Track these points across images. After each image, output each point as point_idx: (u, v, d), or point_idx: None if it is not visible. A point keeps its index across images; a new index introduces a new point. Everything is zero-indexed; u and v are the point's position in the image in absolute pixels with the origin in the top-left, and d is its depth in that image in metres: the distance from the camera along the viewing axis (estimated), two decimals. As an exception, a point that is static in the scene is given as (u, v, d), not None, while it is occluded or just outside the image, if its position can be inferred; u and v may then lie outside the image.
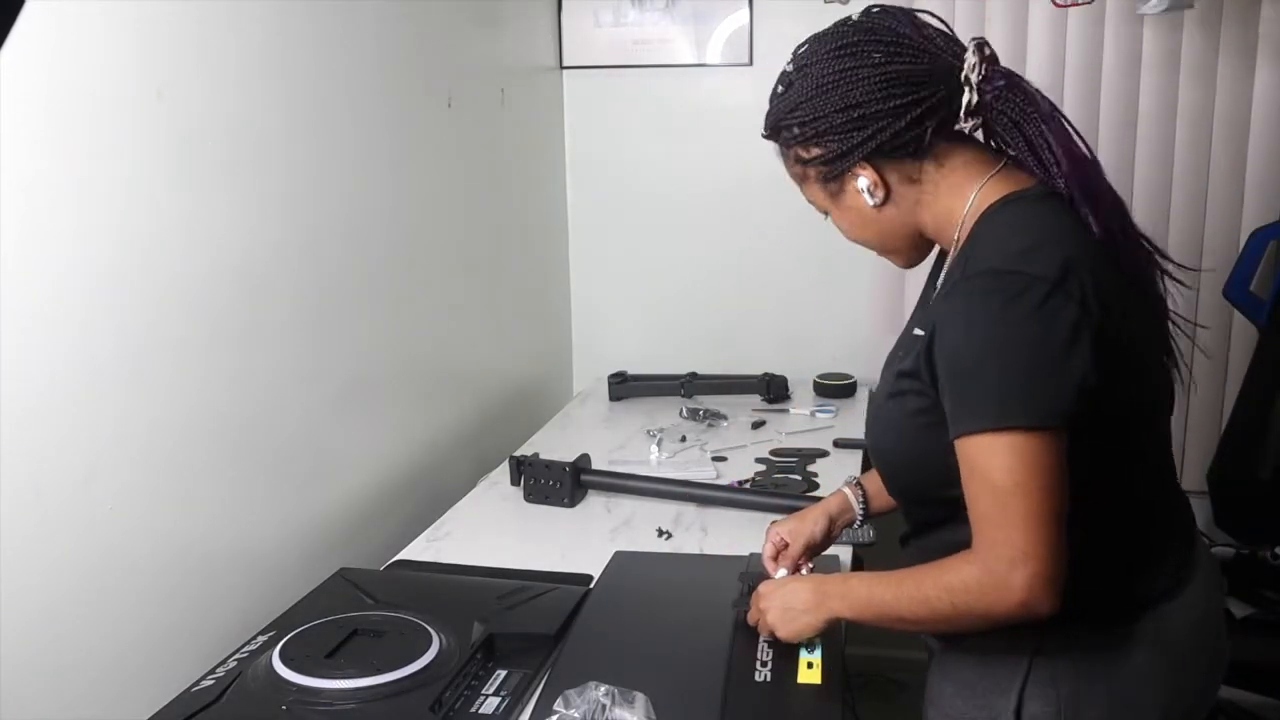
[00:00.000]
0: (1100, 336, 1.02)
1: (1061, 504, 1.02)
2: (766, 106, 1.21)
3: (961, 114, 1.11)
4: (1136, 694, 1.13)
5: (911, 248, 1.23)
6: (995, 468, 1.02)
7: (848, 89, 1.11)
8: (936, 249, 1.26)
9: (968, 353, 1.04)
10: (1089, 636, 1.11)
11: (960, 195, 1.14)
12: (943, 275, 1.21)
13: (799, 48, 1.19)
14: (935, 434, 1.08)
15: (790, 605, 1.24)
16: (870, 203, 1.16)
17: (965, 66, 1.10)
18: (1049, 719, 1.11)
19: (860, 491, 1.45)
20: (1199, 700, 1.21)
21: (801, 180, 1.22)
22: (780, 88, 1.19)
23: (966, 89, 1.10)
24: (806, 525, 1.42)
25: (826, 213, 1.23)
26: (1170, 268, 1.19)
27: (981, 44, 1.12)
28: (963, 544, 1.08)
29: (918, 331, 1.16)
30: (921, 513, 1.23)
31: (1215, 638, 1.23)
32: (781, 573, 1.38)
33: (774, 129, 1.20)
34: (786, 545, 1.41)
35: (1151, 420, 1.17)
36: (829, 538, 1.44)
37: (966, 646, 1.17)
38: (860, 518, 1.46)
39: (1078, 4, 2.28)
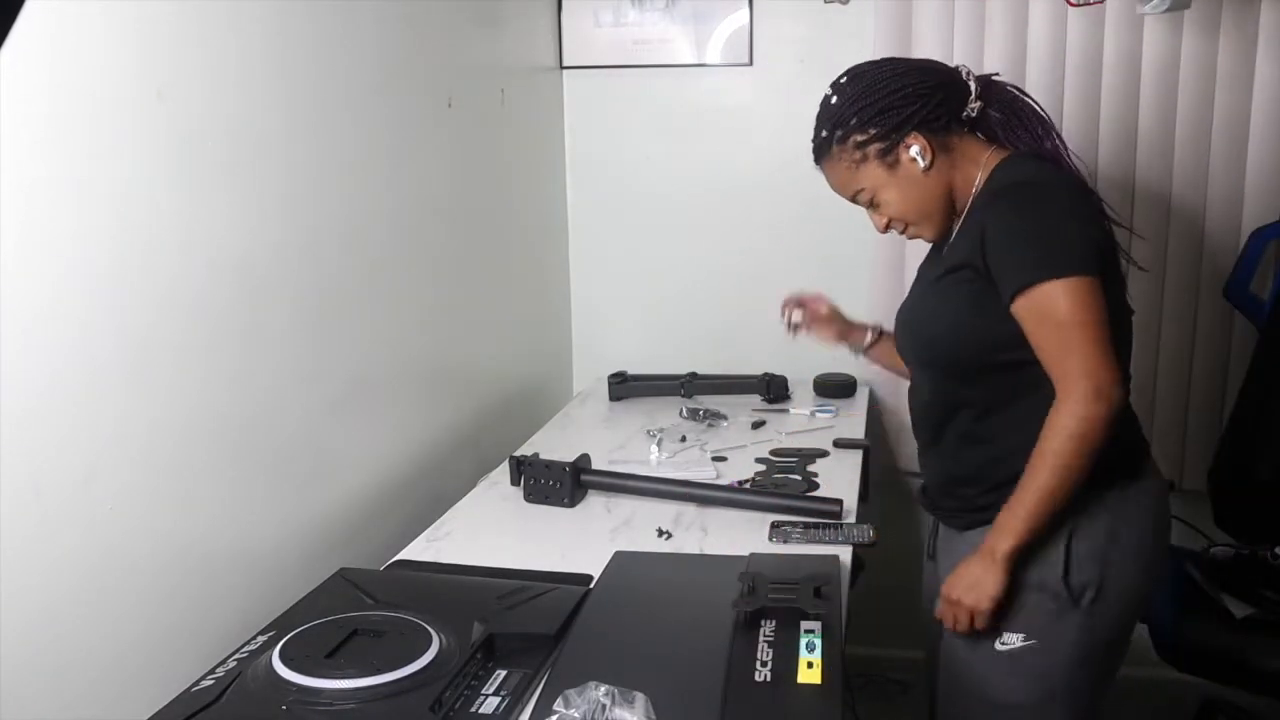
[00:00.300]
0: (1102, 216, 1.45)
1: (1111, 333, 1.34)
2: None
3: (972, 96, 1.49)
4: (1140, 534, 1.46)
5: (942, 211, 1.51)
6: (1062, 309, 1.33)
7: (892, 81, 1.47)
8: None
9: (1022, 225, 1.38)
10: (1111, 493, 1.42)
11: (975, 162, 1.50)
12: (963, 222, 1.50)
13: (840, 78, 1.53)
14: (985, 305, 1.39)
15: (969, 581, 1.42)
16: (922, 165, 1.47)
17: (962, 73, 1.51)
18: (1093, 557, 1.41)
19: (875, 334, 1.90)
20: (1165, 544, 1.54)
21: (859, 164, 1.49)
22: (834, 98, 1.51)
23: (971, 82, 1.50)
24: (833, 323, 1.91)
25: (872, 201, 1.52)
26: (1112, 213, 1.52)
27: (961, 68, 1.53)
28: (984, 429, 1.48)
29: (949, 256, 1.49)
30: (951, 391, 1.50)
31: (1167, 495, 1.55)
32: (798, 315, 1.89)
33: (834, 127, 1.49)
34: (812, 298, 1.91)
35: (1125, 311, 1.46)
36: (834, 324, 1.91)
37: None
38: (865, 346, 1.91)
39: (1089, 3, 2.28)
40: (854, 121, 1.48)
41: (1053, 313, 1.34)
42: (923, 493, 1.66)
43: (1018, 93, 1.53)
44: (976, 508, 1.51)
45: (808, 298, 1.92)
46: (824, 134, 1.51)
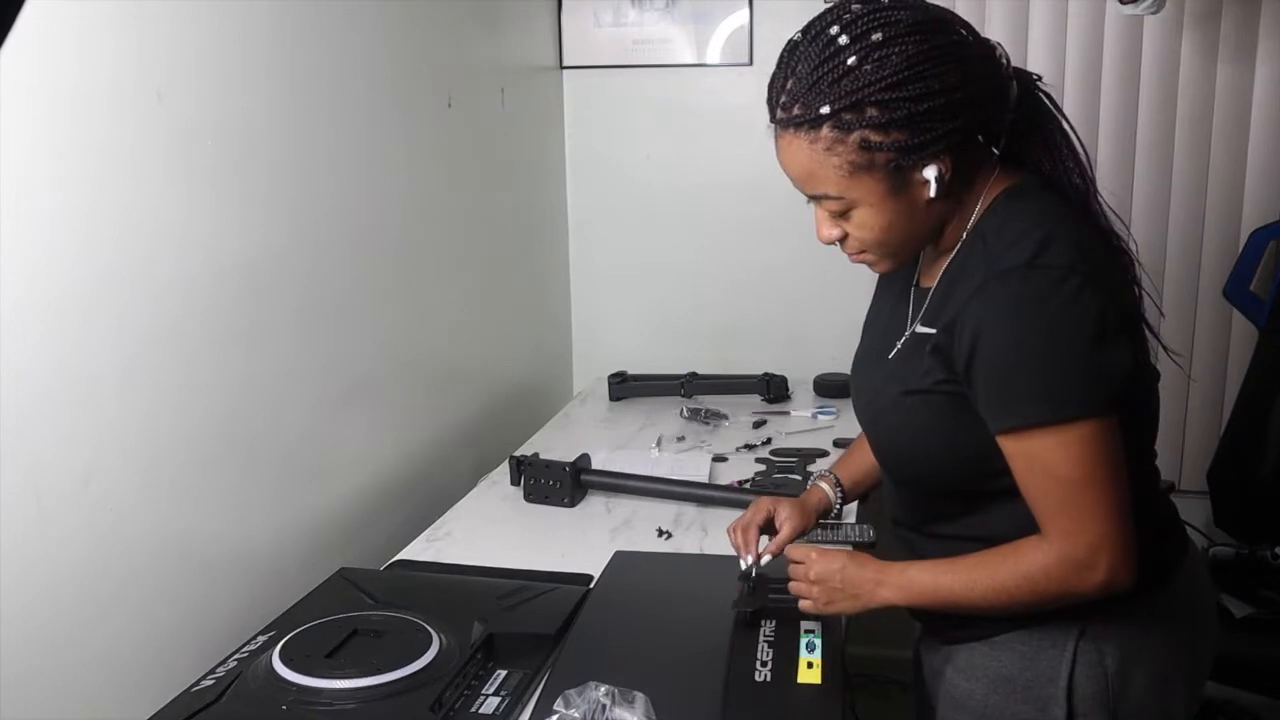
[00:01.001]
0: (1131, 321, 1.08)
1: (1127, 486, 1.06)
2: (772, 100, 1.11)
3: (1011, 107, 1.11)
4: (1170, 660, 1.18)
5: (915, 250, 1.19)
6: (1062, 461, 1.04)
7: (948, 74, 1.03)
8: None
9: (1016, 349, 1.04)
10: (1130, 610, 1.14)
11: (975, 190, 1.14)
12: (945, 270, 1.16)
13: (855, 12, 1.05)
14: (964, 430, 1.09)
15: (840, 586, 1.20)
16: (932, 194, 1.07)
17: (1004, 64, 1.11)
18: (1100, 697, 1.15)
19: (839, 488, 1.49)
20: (1205, 665, 1.26)
21: (854, 169, 1.06)
22: (850, 59, 1.02)
23: (1013, 83, 1.11)
24: (807, 519, 1.44)
25: (848, 210, 1.11)
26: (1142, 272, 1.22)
27: (997, 45, 1.13)
28: (977, 533, 1.14)
29: (923, 330, 1.15)
30: (929, 504, 1.22)
31: (1213, 601, 1.31)
32: (764, 542, 1.40)
33: (842, 106, 1.03)
34: (770, 523, 1.41)
35: (1150, 389, 1.18)
36: (801, 529, 1.45)
37: (997, 644, 1.18)
38: (837, 508, 1.50)
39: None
40: (873, 114, 1.03)
41: (1044, 466, 1.04)
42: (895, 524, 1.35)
43: (1056, 111, 1.17)
44: (957, 622, 1.21)
45: (755, 529, 1.41)
46: (823, 109, 1.04)
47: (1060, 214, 1.10)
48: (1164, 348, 1.23)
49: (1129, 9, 2.14)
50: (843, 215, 1.13)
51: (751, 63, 2.61)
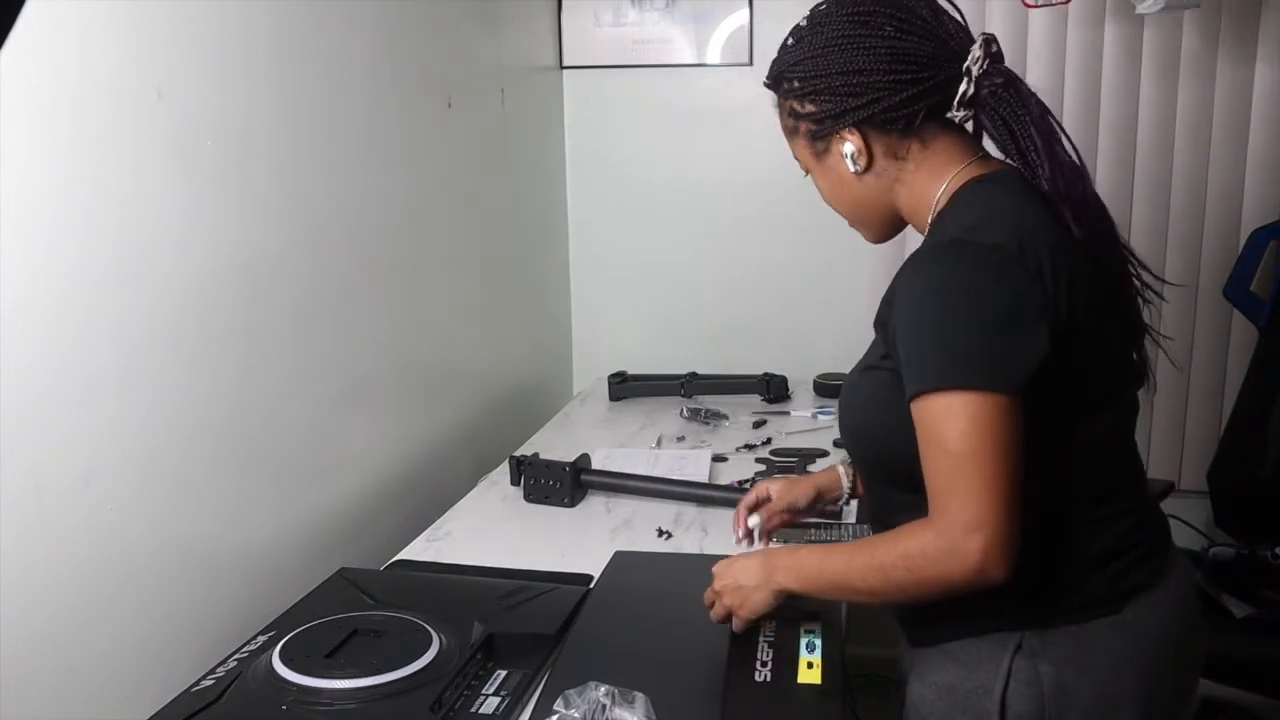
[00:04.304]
0: (1056, 313, 1.04)
1: (1017, 471, 1.02)
2: (768, 108, 1.25)
3: (955, 103, 1.13)
4: (1118, 686, 1.12)
5: (882, 223, 1.24)
6: (950, 431, 1.02)
7: (853, 54, 1.14)
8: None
9: (923, 314, 1.06)
10: (1070, 630, 1.11)
11: (937, 179, 1.16)
12: (926, 238, 1.19)
13: (818, 6, 1.20)
14: (902, 409, 1.07)
15: (741, 583, 1.26)
16: (851, 169, 1.18)
17: (969, 58, 1.12)
18: (1034, 715, 1.11)
19: (852, 471, 1.51)
20: (1178, 694, 1.21)
21: (791, 134, 1.24)
22: (791, 40, 1.21)
23: (965, 79, 1.12)
24: (794, 489, 1.52)
25: (808, 171, 1.26)
26: (1147, 278, 1.19)
27: (990, 39, 1.13)
28: (918, 508, 1.09)
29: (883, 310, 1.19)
30: (888, 494, 1.21)
31: (1193, 631, 1.22)
32: (754, 520, 1.48)
33: (775, 78, 1.23)
34: (768, 500, 1.51)
35: (1116, 407, 1.16)
36: (810, 508, 1.53)
37: (946, 649, 1.17)
38: (846, 494, 1.53)
39: (1052, 4, 2.27)
40: (796, 85, 1.19)
41: (935, 435, 1.03)
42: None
43: (1025, 101, 1.13)
44: (916, 623, 1.22)
45: (764, 501, 1.53)
46: (766, 80, 1.25)
47: (1017, 203, 1.11)
48: (1160, 346, 1.22)
49: (1144, 7, 2.14)
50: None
51: (751, 63, 2.61)
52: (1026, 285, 1.03)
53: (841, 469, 1.53)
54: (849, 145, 1.17)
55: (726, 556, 1.32)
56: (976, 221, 1.09)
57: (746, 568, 1.26)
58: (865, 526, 1.67)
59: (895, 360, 1.09)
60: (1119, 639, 1.12)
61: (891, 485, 1.19)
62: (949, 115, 1.15)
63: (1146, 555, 1.16)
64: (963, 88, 1.12)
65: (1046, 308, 1.04)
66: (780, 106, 1.25)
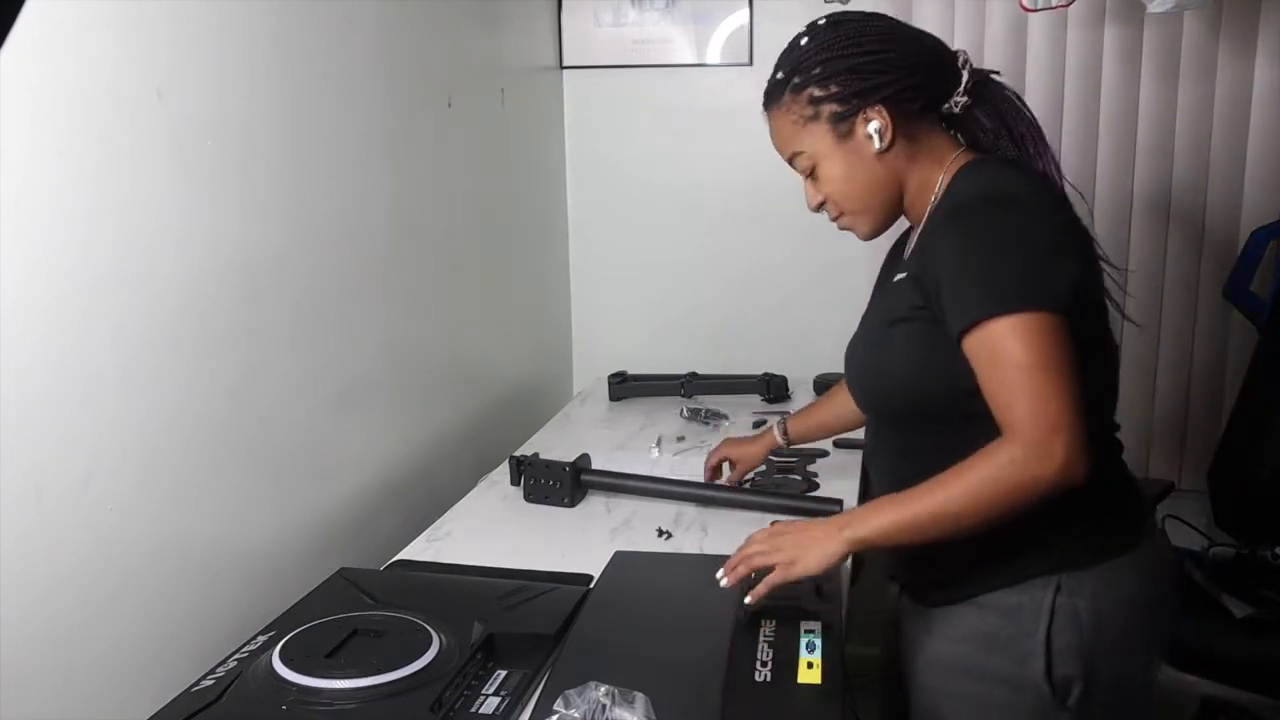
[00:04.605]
0: (1073, 244, 1.20)
1: (1077, 380, 1.12)
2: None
3: (961, 90, 1.27)
4: (1136, 618, 1.26)
5: (885, 208, 1.31)
6: (1018, 347, 1.11)
7: (875, 42, 1.26)
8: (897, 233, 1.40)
9: (968, 257, 1.17)
10: (1100, 568, 1.23)
11: (939, 164, 1.29)
12: (919, 229, 1.30)
13: (818, 19, 1.31)
14: (939, 351, 1.18)
15: (805, 538, 1.24)
16: (877, 146, 1.26)
17: (959, 60, 1.29)
18: (1074, 649, 1.22)
19: (784, 431, 1.85)
20: (1166, 626, 1.33)
21: (808, 122, 1.28)
22: (805, 40, 1.29)
23: (965, 72, 1.28)
24: (756, 451, 1.88)
25: (812, 171, 1.31)
26: (1102, 252, 1.29)
27: (963, 52, 1.31)
28: (949, 450, 1.17)
29: (900, 277, 1.28)
30: (911, 441, 1.29)
31: (1171, 568, 1.39)
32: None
33: (793, 71, 1.28)
34: (728, 465, 1.89)
35: (1106, 355, 1.28)
36: (754, 464, 1.89)
37: (979, 603, 1.25)
38: (784, 444, 1.86)
39: (1051, 7, 2.27)
40: (817, 71, 1.26)
41: (1002, 355, 1.12)
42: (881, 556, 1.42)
43: (1016, 100, 1.31)
44: (941, 583, 1.30)
45: (709, 470, 1.91)
46: (779, 76, 1.30)
47: (1018, 175, 1.26)
48: (1124, 316, 1.35)
49: (1154, 6, 2.13)
50: (814, 176, 1.32)
51: (751, 63, 2.61)
52: (1050, 223, 1.18)
53: (775, 431, 1.85)
54: (875, 122, 1.25)
55: (726, 557, 1.32)
56: (997, 180, 1.23)
57: (810, 526, 1.26)
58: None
59: (934, 308, 1.19)
60: (1135, 573, 1.26)
61: (918, 430, 1.28)
62: (946, 107, 1.28)
63: (1137, 499, 1.33)
64: (965, 77, 1.27)
65: (1067, 239, 1.19)
66: (790, 107, 1.29)
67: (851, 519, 1.23)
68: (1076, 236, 1.23)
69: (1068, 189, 1.30)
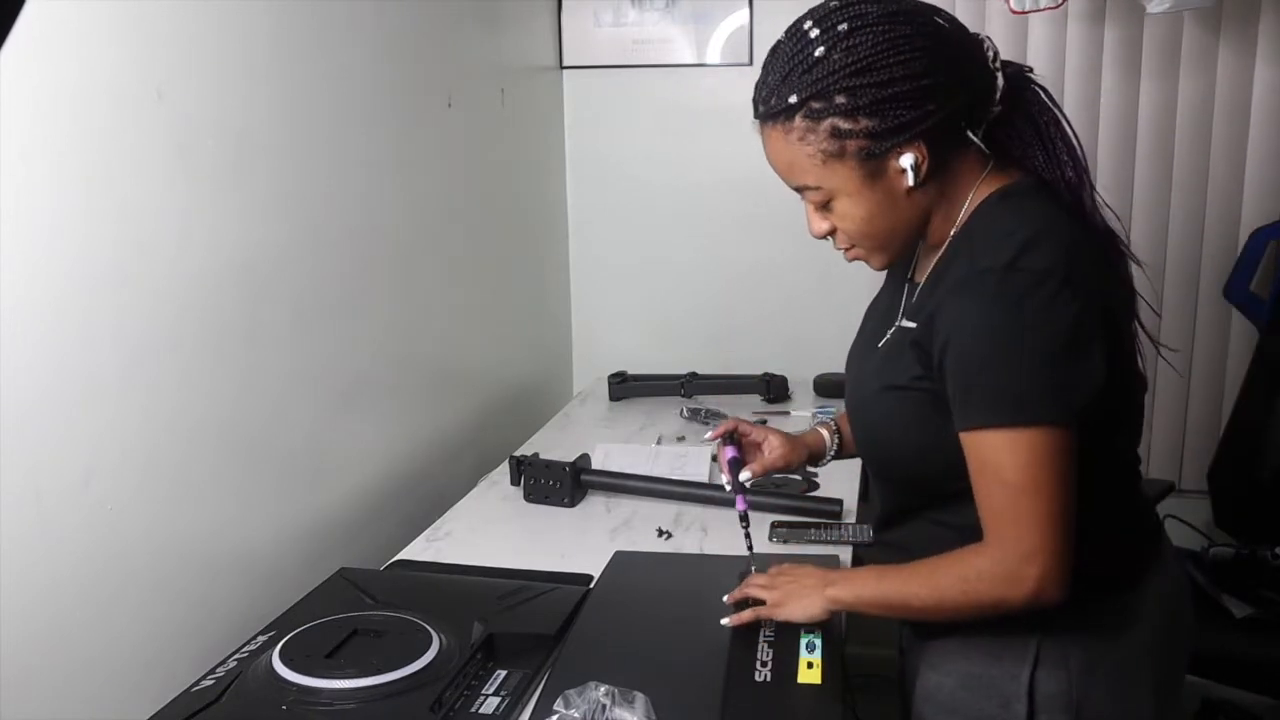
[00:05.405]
0: (1107, 328, 1.05)
1: (1072, 499, 1.04)
2: (754, 98, 1.14)
3: (997, 94, 1.10)
4: (1136, 665, 1.17)
5: (905, 243, 1.18)
6: (1009, 465, 1.03)
7: (914, 60, 1.04)
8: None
9: (979, 347, 1.04)
10: (1096, 611, 1.14)
11: (965, 188, 1.13)
12: (934, 267, 1.16)
13: (829, 7, 1.08)
14: (940, 427, 1.09)
15: (797, 586, 1.26)
16: (910, 183, 1.08)
17: (989, 56, 1.10)
18: (1062, 698, 1.14)
19: (837, 436, 1.50)
20: (1178, 671, 1.27)
21: (828, 158, 1.08)
22: (818, 50, 1.05)
23: (999, 74, 1.10)
24: (796, 453, 1.46)
25: (829, 201, 1.13)
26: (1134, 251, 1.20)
27: (989, 40, 1.12)
28: (947, 528, 1.14)
29: (907, 324, 1.17)
30: (908, 503, 1.23)
31: (1188, 605, 1.28)
32: (745, 474, 1.41)
33: (809, 95, 1.06)
34: (753, 445, 1.46)
35: (1134, 390, 1.18)
36: (798, 467, 1.52)
37: (969, 639, 1.19)
38: (830, 456, 1.50)
39: (1040, 9, 2.27)
40: (842, 101, 1.04)
41: (992, 468, 1.04)
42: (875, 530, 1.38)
43: (1051, 104, 1.14)
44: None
45: (741, 429, 1.48)
46: (791, 99, 1.06)
47: (1050, 215, 1.09)
48: (1158, 350, 1.23)
49: (1153, 6, 2.13)
50: (826, 207, 1.14)
51: (751, 63, 2.61)
52: (1082, 309, 1.03)
53: (824, 431, 1.50)
54: (909, 157, 1.07)
55: (726, 556, 1.32)
56: (1023, 243, 1.05)
57: (806, 573, 1.27)
58: (866, 527, 1.68)
59: (935, 384, 1.09)
60: (1137, 616, 1.17)
61: (913, 495, 1.21)
62: (982, 118, 1.11)
63: (1153, 534, 1.25)
64: (1000, 83, 1.10)
65: (1099, 326, 1.04)
66: (799, 134, 1.08)
67: (839, 579, 1.24)
68: (1111, 292, 1.10)
69: (1106, 213, 1.15)
